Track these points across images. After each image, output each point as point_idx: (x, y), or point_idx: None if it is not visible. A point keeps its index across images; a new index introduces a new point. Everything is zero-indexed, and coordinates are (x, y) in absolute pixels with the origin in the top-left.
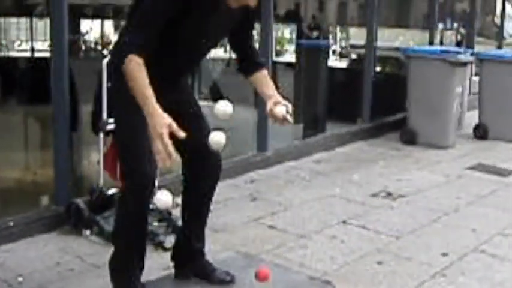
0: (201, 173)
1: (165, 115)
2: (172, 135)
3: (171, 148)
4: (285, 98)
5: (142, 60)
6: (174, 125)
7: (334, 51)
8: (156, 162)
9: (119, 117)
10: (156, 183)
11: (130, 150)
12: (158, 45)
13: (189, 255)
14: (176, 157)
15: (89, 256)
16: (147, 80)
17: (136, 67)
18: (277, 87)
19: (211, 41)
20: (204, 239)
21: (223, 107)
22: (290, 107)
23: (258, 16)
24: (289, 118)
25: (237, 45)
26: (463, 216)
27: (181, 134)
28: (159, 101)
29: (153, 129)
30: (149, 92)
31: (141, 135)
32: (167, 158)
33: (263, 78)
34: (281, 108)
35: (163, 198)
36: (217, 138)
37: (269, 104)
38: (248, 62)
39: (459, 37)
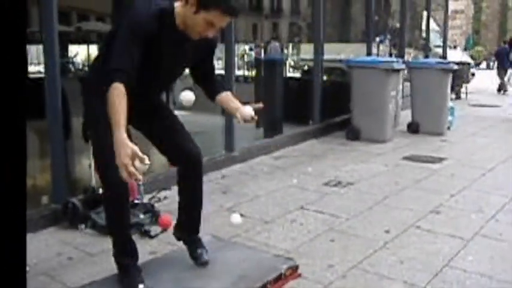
0: (186, 164)
1: (130, 144)
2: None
3: (134, 171)
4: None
5: (125, 90)
6: (139, 153)
7: (288, 64)
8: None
9: (91, 130)
10: None
11: (103, 161)
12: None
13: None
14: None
15: (85, 246)
16: (124, 109)
17: (120, 95)
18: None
19: (177, 69)
20: (198, 220)
21: (188, 95)
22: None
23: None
24: (255, 117)
25: (199, 77)
26: (401, 198)
27: (146, 161)
28: (132, 117)
29: (118, 158)
30: (122, 121)
31: (109, 148)
32: (131, 177)
33: (227, 97)
34: (248, 108)
35: (186, 97)
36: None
37: (238, 113)
38: (212, 87)
39: (392, 49)
